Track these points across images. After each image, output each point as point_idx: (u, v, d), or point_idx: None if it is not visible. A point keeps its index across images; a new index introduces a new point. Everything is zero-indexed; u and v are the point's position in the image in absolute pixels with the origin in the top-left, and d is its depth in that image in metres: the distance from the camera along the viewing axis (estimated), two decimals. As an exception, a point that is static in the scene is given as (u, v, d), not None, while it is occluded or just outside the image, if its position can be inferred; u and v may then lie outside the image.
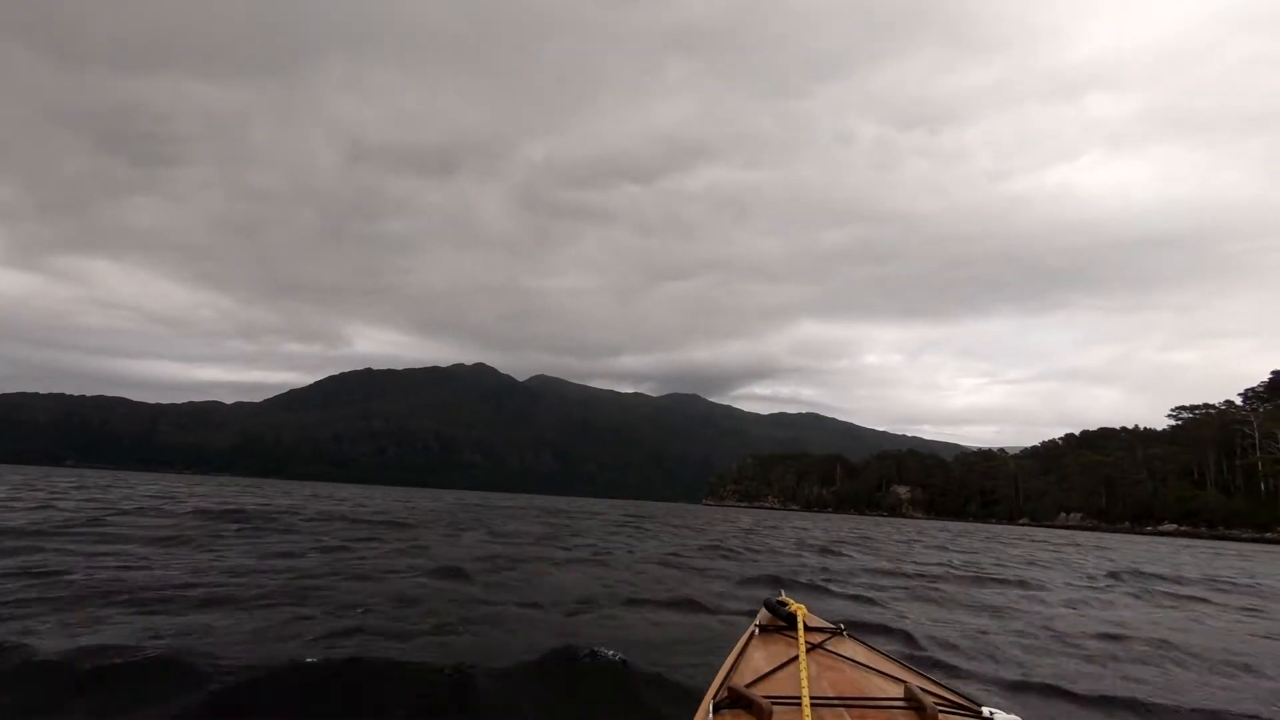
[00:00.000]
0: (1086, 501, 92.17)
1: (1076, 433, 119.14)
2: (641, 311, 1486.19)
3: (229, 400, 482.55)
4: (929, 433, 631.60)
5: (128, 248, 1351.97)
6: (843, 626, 2.95)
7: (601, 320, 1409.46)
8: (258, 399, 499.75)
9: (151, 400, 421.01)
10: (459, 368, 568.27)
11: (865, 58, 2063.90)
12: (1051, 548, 25.58)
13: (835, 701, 2.08)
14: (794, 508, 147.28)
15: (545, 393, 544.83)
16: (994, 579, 11.32)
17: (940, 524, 71.19)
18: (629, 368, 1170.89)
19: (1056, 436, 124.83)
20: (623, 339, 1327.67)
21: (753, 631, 2.92)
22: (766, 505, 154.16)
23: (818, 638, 2.77)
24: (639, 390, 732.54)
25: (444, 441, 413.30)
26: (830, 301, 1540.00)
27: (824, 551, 15.67)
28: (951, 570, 12.63)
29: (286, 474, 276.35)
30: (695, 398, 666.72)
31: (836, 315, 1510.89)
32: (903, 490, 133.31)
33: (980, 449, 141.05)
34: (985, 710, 2.05)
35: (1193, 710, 4.28)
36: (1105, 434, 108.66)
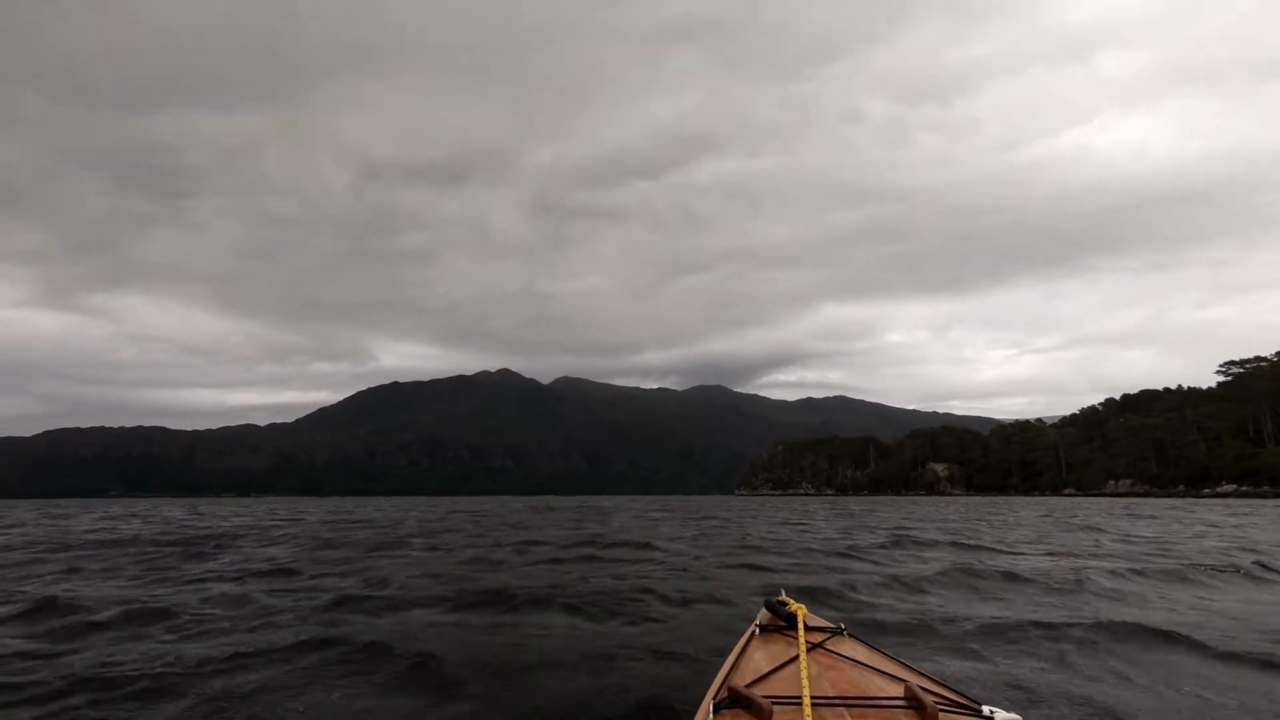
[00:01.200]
0: (1136, 467, 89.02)
1: (1117, 397, 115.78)
2: (660, 307, 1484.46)
3: (263, 423, 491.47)
4: (960, 408, 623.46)
5: (156, 280, 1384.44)
6: (843, 626, 2.95)
7: (621, 318, 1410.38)
8: (290, 419, 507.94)
9: (189, 428, 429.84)
10: (484, 375, 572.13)
11: (867, 35, 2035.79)
12: (1182, 520, 22.22)
13: (836, 701, 2.09)
14: (829, 493, 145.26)
15: (571, 394, 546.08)
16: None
17: (990, 500, 69.05)
18: (652, 364, 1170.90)
19: (1094, 403, 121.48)
20: (644, 335, 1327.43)
21: (753, 631, 2.92)
22: (801, 492, 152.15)
23: (818, 637, 2.77)
24: (663, 385, 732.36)
25: (474, 449, 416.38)
26: (848, 283, 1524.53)
27: (959, 545, 12.27)
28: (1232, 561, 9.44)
29: (323, 492, 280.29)
30: (720, 389, 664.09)
31: (856, 296, 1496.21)
32: (939, 468, 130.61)
33: (1016, 421, 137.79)
34: (986, 709, 2.06)
35: None
36: (1149, 396, 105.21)
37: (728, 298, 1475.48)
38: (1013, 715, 2.01)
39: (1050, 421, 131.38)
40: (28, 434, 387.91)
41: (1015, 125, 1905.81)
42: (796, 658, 2.43)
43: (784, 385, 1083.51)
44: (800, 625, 2.79)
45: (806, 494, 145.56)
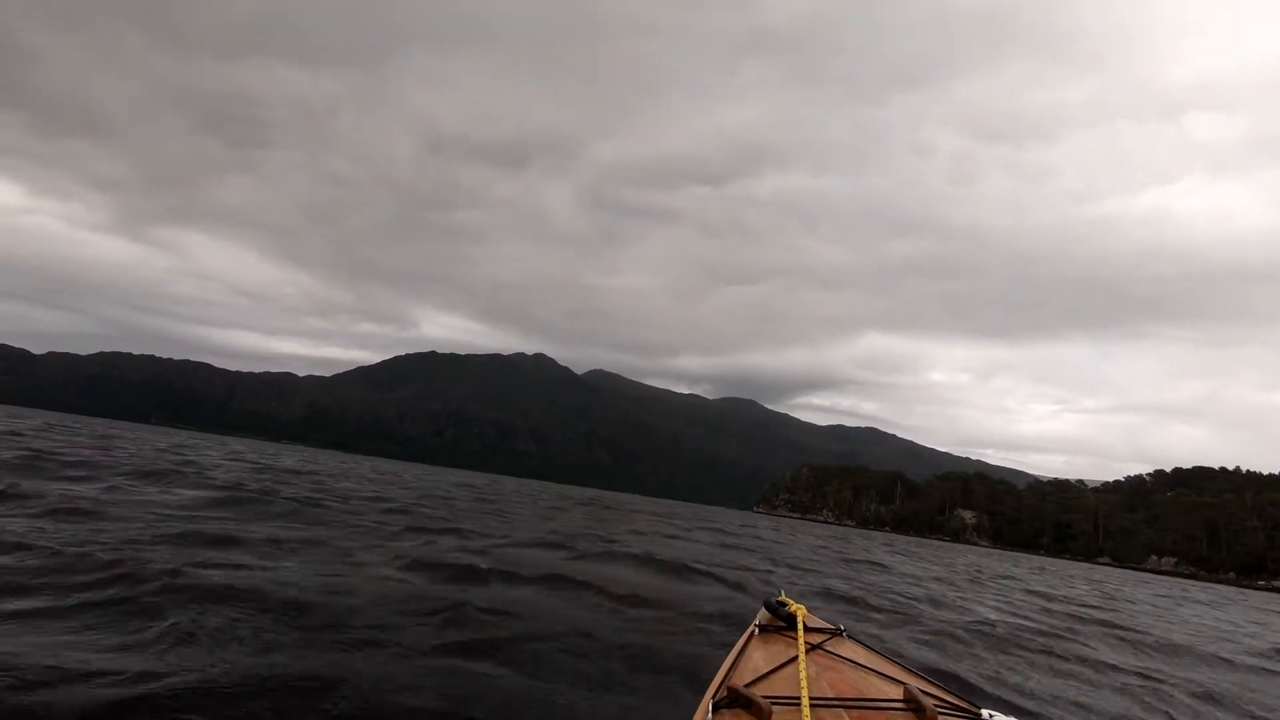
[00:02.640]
0: (1183, 546, 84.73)
1: (1167, 470, 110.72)
2: (702, 313, 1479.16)
3: (301, 373, 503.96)
4: (993, 457, 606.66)
5: (221, 223, 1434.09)
6: (842, 627, 2.94)
7: (662, 320, 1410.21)
8: (327, 374, 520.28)
9: (231, 368, 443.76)
10: (519, 357, 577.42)
11: (948, 68, 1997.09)
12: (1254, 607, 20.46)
13: (834, 702, 2.10)
14: (849, 524, 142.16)
15: (602, 388, 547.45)
16: None
17: (1016, 555, 66.38)
18: (686, 368, 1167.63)
19: (1139, 472, 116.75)
20: (682, 340, 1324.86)
21: (752, 631, 2.91)
22: (821, 519, 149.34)
23: (817, 638, 2.76)
24: (695, 392, 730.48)
25: (500, 428, 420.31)
26: (897, 314, 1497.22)
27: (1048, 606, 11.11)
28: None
29: (351, 448, 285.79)
30: (752, 403, 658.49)
31: (903, 329, 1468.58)
32: (968, 515, 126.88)
33: (1054, 479, 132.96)
34: (984, 712, 2.06)
35: None
36: (1203, 474, 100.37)
37: (772, 313, 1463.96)
38: (1011, 718, 2.01)
39: (1091, 485, 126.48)
40: (83, 352, 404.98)
41: (1092, 177, 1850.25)
42: (796, 658, 2.43)
43: (816, 409, 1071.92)
44: (800, 626, 2.78)
45: (826, 521, 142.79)
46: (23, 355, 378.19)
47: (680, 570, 8.07)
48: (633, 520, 19.79)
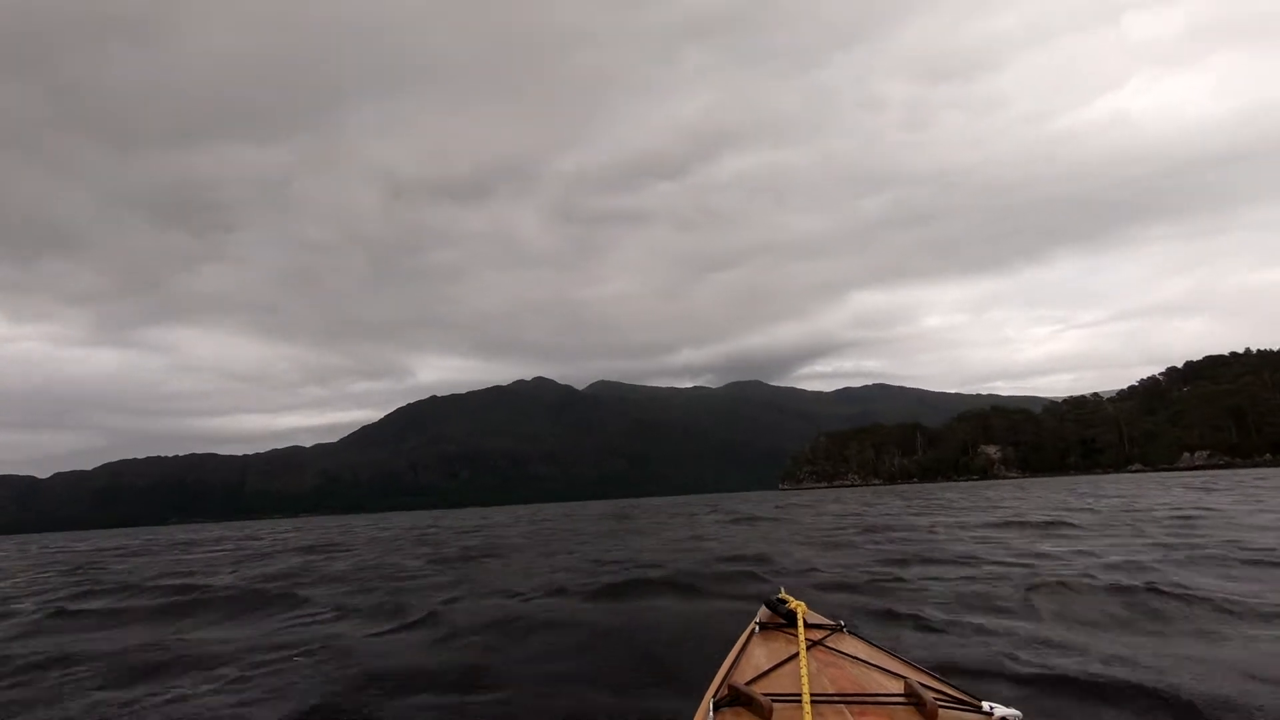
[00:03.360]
0: (1211, 437, 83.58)
1: (1179, 365, 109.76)
2: (691, 306, 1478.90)
3: (309, 444, 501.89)
4: (1005, 389, 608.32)
5: (203, 312, 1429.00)
6: (843, 623, 2.95)
7: (653, 320, 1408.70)
8: (335, 439, 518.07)
9: (239, 453, 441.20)
10: (520, 384, 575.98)
11: (883, 18, 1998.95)
12: None
13: (835, 698, 2.10)
14: (876, 482, 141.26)
15: (607, 398, 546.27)
16: None
17: (1050, 480, 65.31)
18: (686, 363, 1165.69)
19: (1151, 374, 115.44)
20: (676, 336, 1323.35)
21: (753, 629, 2.93)
22: (847, 483, 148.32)
23: (818, 634, 2.77)
24: (699, 384, 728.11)
25: (514, 458, 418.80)
26: (880, 270, 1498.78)
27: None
28: None
29: (368, 509, 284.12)
30: (757, 384, 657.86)
31: (889, 282, 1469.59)
32: (992, 450, 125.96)
33: (1069, 398, 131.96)
34: (985, 705, 2.06)
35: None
36: (1215, 363, 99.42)
37: (759, 293, 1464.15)
38: (1013, 711, 2.01)
39: (1106, 396, 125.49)
40: (89, 467, 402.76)
41: (1043, 97, 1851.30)
42: (796, 655, 2.43)
43: (821, 376, 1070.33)
44: (800, 622, 2.80)
45: (853, 485, 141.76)
46: (30, 483, 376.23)
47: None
48: (698, 526, 18.25)
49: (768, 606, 3.06)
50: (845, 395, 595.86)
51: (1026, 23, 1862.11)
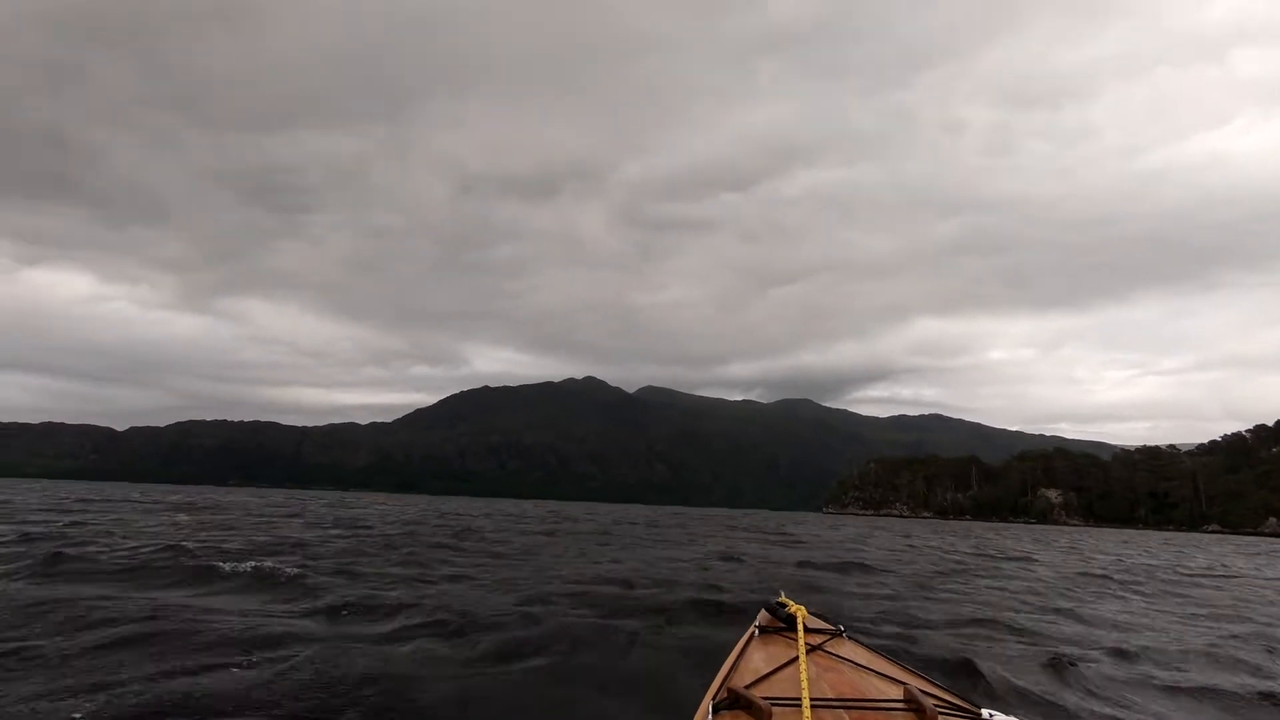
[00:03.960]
0: (1301, 503, 78.42)
1: (1269, 424, 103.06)
2: (748, 319, 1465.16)
3: (364, 421, 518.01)
4: (1070, 432, 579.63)
5: (277, 287, 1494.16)
6: (842, 628, 2.95)
7: (708, 330, 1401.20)
8: (389, 419, 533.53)
9: (298, 424, 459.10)
10: (570, 382, 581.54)
11: (970, 40, 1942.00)
12: None
13: (835, 703, 2.10)
14: (926, 515, 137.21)
15: (655, 404, 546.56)
16: None
17: (1118, 532, 62.27)
18: (738, 376, 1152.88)
19: (1238, 430, 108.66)
20: (730, 347, 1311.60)
21: (752, 632, 2.91)
22: (894, 513, 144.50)
23: (817, 639, 2.76)
24: (749, 398, 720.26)
25: (559, 454, 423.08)
26: (948, 296, 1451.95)
27: None
28: None
29: (418, 489, 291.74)
30: (808, 403, 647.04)
31: (956, 310, 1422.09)
32: (1053, 494, 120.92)
33: (1143, 447, 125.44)
34: (984, 712, 2.06)
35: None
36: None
37: (818, 310, 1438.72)
38: (1011, 718, 2.02)
39: (1184, 449, 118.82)
40: (161, 424, 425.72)
41: (1136, 131, 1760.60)
42: (796, 659, 2.41)
43: (875, 401, 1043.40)
44: (800, 626, 2.77)
45: (901, 515, 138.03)
46: (108, 434, 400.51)
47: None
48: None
49: (767, 610, 3.07)
50: (900, 422, 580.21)
51: (1123, 53, 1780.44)
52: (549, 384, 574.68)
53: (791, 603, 3.02)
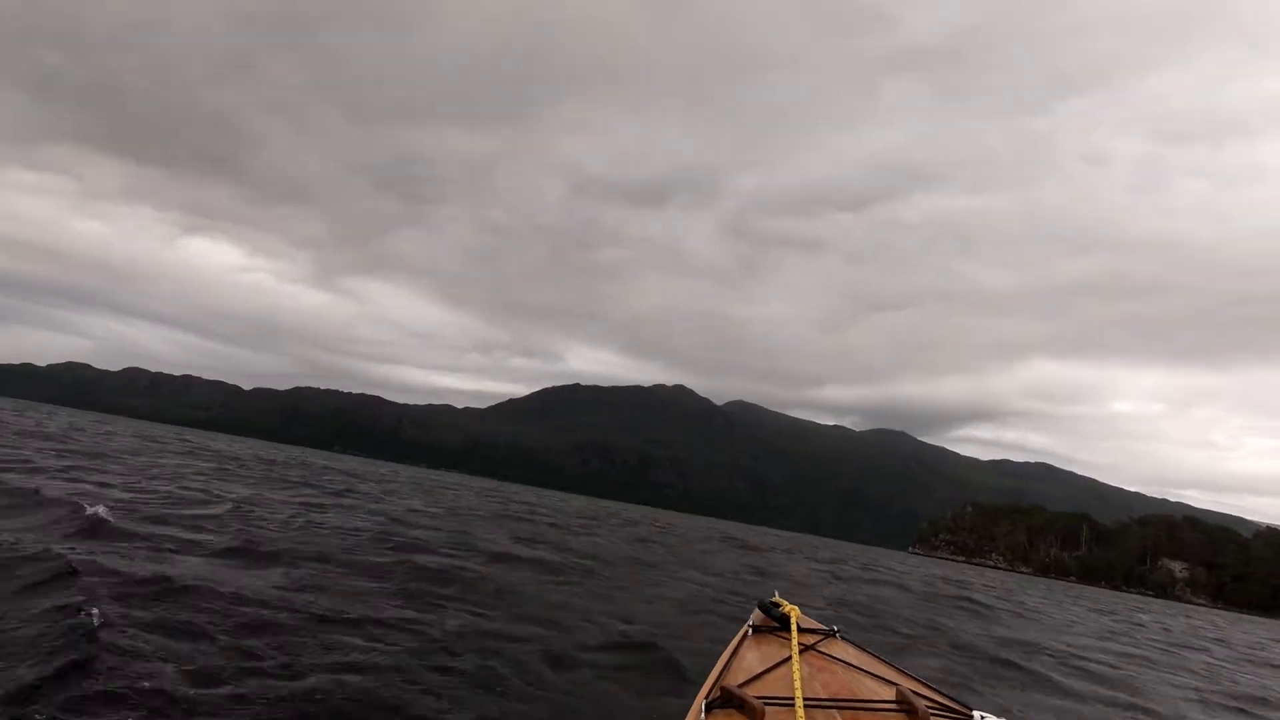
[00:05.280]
0: None
1: None
2: (848, 342, 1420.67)
3: (460, 405, 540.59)
4: (1198, 500, 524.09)
5: (397, 271, 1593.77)
6: (836, 628, 2.96)
7: (804, 350, 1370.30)
8: (483, 405, 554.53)
9: (399, 401, 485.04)
10: (660, 388, 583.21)
11: (1123, 69, 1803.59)
12: None
13: (828, 703, 2.11)
14: (1024, 570, 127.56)
15: (742, 419, 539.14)
16: None
17: (1255, 621, 55.34)
18: (832, 399, 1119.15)
19: None
20: (826, 370, 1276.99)
21: (746, 632, 2.92)
22: (989, 564, 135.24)
23: (811, 639, 2.77)
24: (841, 424, 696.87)
25: (642, 459, 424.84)
26: (1071, 339, 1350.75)
27: None
28: None
29: (501, 476, 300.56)
30: (904, 435, 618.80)
31: (1078, 355, 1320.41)
32: (1176, 566, 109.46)
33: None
34: (976, 714, 2.08)
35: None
36: None
37: (924, 340, 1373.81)
38: (1002, 719, 2.04)
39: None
40: (280, 388, 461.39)
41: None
42: (789, 659, 2.43)
43: (977, 442, 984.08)
44: (793, 626, 2.79)
45: (996, 567, 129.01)
46: (236, 390, 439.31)
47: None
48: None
49: (761, 609, 3.04)
50: (1002, 468, 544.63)
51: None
52: (639, 388, 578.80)
53: (785, 602, 3.02)
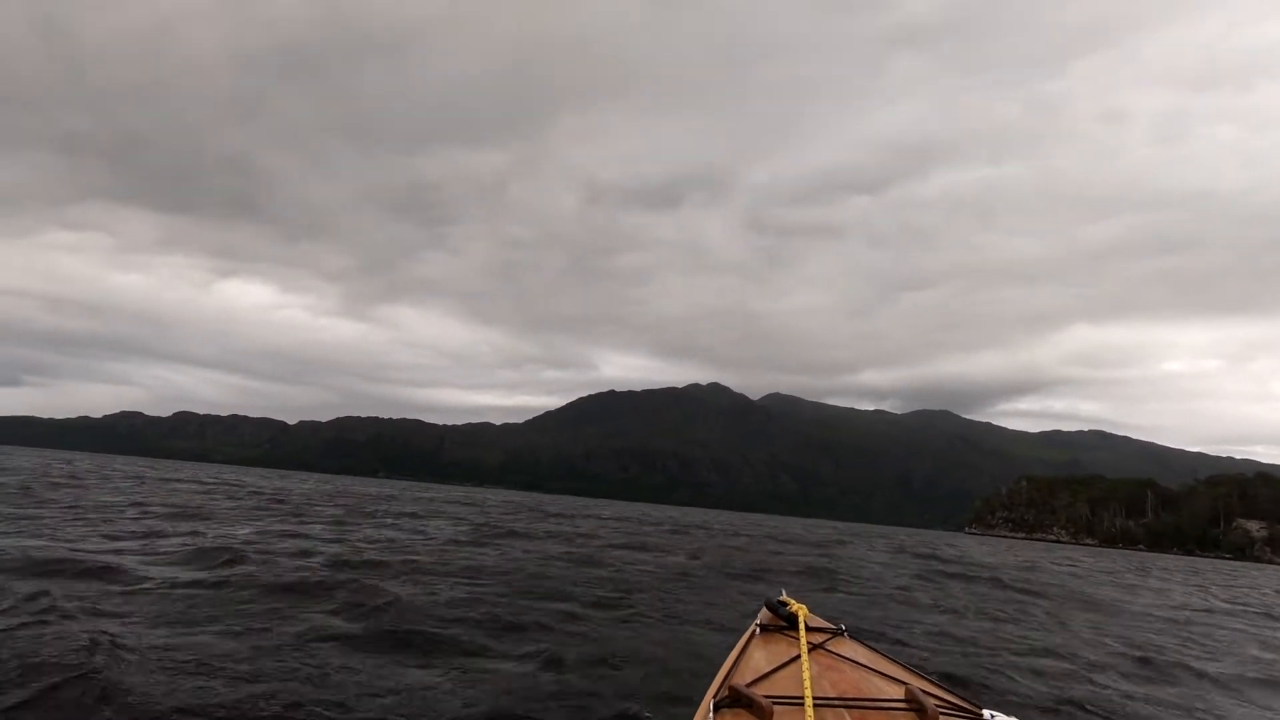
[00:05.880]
0: None
1: None
2: (880, 326, 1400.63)
3: (498, 422, 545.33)
4: (1265, 455, 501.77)
5: (424, 294, 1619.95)
6: (844, 627, 2.97)
7: (836, 337, 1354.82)
8: (520, 420, 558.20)
9: (439, 422, 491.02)
10: (694, 388, 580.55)
11: (1136, 21, 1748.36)
12: None
13: (837, 702, 2.10)
14: (1089, 542, 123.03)
15: (780, 412, 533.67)
16: None
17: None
18: (869, 384, 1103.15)
19: None
20: (860, 355, 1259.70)
21: (754, 631, 2.91)
22: (1051, 538, 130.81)
23: (819, 638, 2.77)
24: (881, 408, 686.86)
25: (682, 461, 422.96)
26: (1109, 302, 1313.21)
27: None
28: None
29: (544, 489, 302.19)
30: (946, 414, 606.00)
31: (1119, 317, 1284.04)
32: (1253, 526, 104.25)
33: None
34: (985, 712, 2.08)
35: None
36: None
37: (957, 317, 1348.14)
38: (1012, 718, 2.03)
39: None
40: (323, 419, 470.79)
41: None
42: (797, 658, 2.43)
43: (1024, 415, 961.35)
44: (801, 625, 2.78)
45: (1059, 541, 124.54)
46: (281, 427, 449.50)
47: None
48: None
49: (769, 608, 3.02)
50: (1053, 438, 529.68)
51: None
52: (672, 390, 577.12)
53: (793, 601, 3.00)
